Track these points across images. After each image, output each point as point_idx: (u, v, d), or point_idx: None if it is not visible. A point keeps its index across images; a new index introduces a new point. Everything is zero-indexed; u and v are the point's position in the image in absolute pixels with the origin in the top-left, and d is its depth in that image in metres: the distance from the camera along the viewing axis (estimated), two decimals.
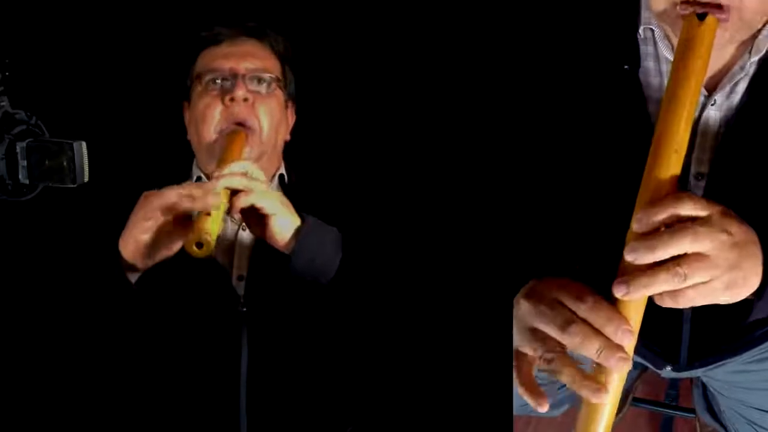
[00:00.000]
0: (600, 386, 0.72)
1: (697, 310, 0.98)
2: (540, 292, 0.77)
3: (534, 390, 0.77)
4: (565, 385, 1.21)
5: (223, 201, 0.92)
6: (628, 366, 0.72)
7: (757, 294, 0.75)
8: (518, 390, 0.78)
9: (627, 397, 1.60)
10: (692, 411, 1.60)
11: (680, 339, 1.02)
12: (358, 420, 1.08)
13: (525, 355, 0.78)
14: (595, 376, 0.73)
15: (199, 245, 0.86)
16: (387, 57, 1.36)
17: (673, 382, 1.73)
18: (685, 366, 1.06)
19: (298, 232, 0.94)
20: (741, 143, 0.86)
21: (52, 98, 1.13)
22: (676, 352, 1.04)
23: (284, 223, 0.94)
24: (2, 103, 0.94)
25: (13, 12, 1.27)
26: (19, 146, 0.93)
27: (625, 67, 0.86)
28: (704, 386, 1.31)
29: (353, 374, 1.05)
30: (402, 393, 1.11)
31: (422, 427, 1.19)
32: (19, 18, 1.28)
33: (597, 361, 0.72)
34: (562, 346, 0.74)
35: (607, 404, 0.73)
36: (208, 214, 0.90)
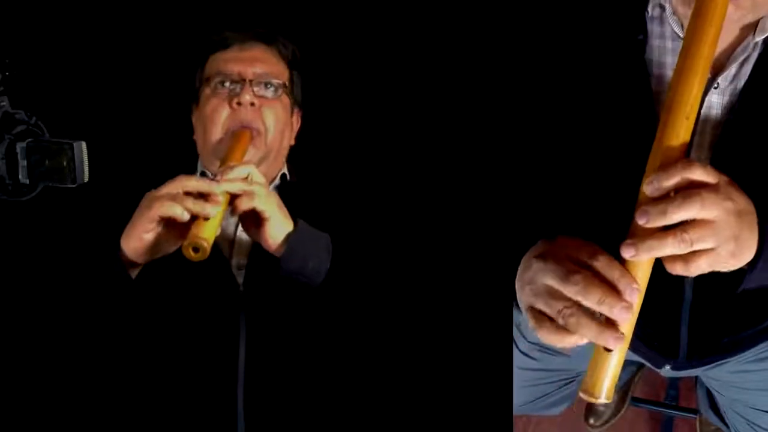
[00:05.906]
0: (620, 334, 0.73)
1: (695, 305, 0.99)
2: (551, 251, 0.78)
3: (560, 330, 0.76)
4: (564, 385, 1.23)
5: (222, 205, 0.92)
6: (628, 316, 0.72)
7: (750, 265, 0.76)
8: (545, 339, 0.77)
9: (626, 396, 1.61)
10: (692, 411, 1.61)
11: (679, 335, 1.02)
12: (357, 419, 1.08)
13: (540, 311, 0.78)
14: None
15: (196, 249, 0.87)
16: (392, 62, 1.36)
17: (673, 382, 1.73)
18: (684, 364, 1.06)
19: (288, 236, 0.96)
20: (743, 129, 0.86)
21: (52, 98, 1.13)
22: (675, 348, 1.04)
23: (278, 228, 0.96)
24: (2, 103, 0.94)
25: (13, 12, 1.27)
26: (19, 146, 0.93)
27: (639, 36, 0.85)
28: None
29: (353, 369, 1.05)
30: (402, 393, 1.11)
31: (422, 427, 1.19)
32: (19, 18, 1.28)
33: (598, 309, 0.73)
34: (576, 302, 0.74)
35: (618, 350, 0.74)
36: (207, 218, 0.90)
